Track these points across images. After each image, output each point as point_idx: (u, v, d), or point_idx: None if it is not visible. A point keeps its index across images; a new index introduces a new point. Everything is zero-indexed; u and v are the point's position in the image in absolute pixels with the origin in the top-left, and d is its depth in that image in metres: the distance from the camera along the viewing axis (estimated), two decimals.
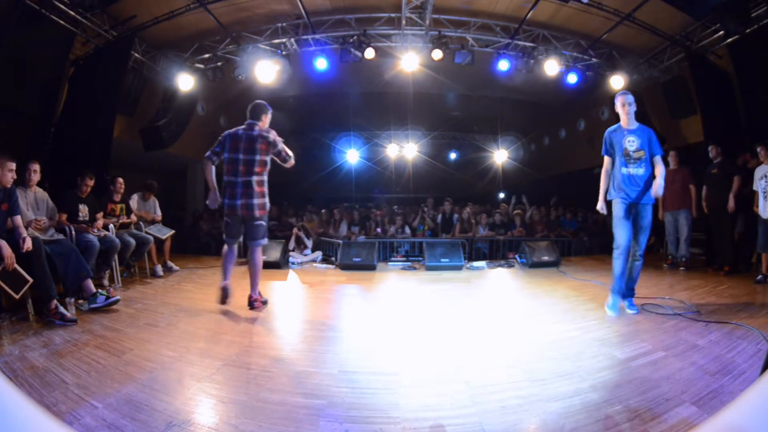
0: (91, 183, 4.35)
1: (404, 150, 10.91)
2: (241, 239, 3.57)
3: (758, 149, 4.32)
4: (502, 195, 11.33)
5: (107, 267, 4.27)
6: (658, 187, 3.10)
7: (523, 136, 11.54)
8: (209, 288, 4.43)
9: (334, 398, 1.89)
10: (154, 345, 2.55)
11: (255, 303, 3.46)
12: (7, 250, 2.84)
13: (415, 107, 9.94)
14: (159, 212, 5.65)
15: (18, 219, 3.14)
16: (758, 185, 4.35)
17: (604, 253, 7.12)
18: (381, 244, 6.85)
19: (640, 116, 7.63)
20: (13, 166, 3.10)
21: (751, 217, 4.62)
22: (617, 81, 7.11)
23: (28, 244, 2.97)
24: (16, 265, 2.88)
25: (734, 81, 5.95)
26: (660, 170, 3.17)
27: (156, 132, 7.24)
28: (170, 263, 5.45)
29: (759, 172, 4.36)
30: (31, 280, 2.93)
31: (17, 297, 2.88)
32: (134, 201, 5.37)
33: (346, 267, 5.80)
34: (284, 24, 6.77)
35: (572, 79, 7.24)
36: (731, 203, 4.76)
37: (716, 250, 5.26)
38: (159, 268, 5.08)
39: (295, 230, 6.72)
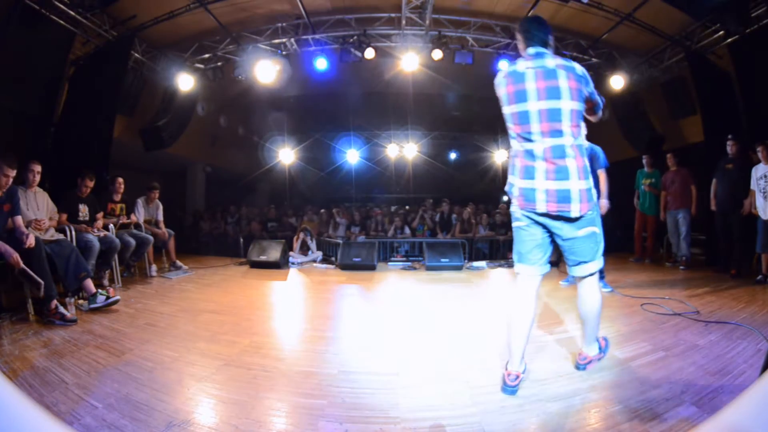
0: (91, 183, 4.35)
1: (404, 150, 10.90)
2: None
3: (758, 149, 4.31)
4: (505, 198, 11.33)
5: (107, 267, 4.27)
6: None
7: None
8: (209, 288, 4.45)
9: (334, 398, 1.90)
10: (154, 345, 2.55)
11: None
12: (13, 256, 2.82)
13: (415, 107, 9.93)
14: (161, 216, 5.46)
15: (19, 219, 3.14)
16: (757, 185, 4.34)
17: (604, 253, 7.11)
18: (381, 244, 6.85)
19: (639, 116, 7.63)
20: (14, 173, 3.08)
21: (751, 217, 4.60)
22: (617, 81, 7.11)
23: (31, 240, 2.97)
24: (23, 266, 2.87)
25: (734, 81, 5.95)
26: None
27: (156, 132, 7.24)
28: (179, 262, 5.52)
29: (758, 171, 4.35)
30: (42, 281, 2.91)
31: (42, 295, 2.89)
32: (140, 207, 5.24)
33: (346, 267, 5.80)
34: (284, 24, 6.76)
35: None
36: (747, 207, 4.58)
37: (719, 250, 5.15)
38: (154, 268, 5.09)
39: (303, 235, 6.68)
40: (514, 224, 2.02)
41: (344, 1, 6.42)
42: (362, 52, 6.67)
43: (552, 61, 1.89)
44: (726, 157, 4.95)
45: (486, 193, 11.49)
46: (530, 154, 1.89)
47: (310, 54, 6.94)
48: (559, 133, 1.83)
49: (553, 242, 2.02)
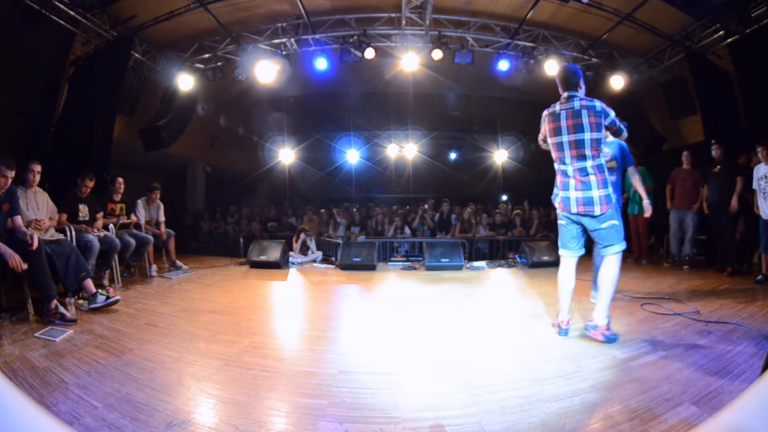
0: (91, 183, 4.35)
1: (404, 150, 10.90)
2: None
3: (758, 149, 4.31)
4: (504, 197, 11.34)
5: (107, 267, 4.27)
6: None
7: (523, 136, 11.51)
8: (209, 288, 4.45)
9: (334, 398, 1.90)
10: (154, 345, 2.55)
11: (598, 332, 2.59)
12: (14, 257, 2.81)
13: (415, 107, 9.93)
14: (162, 216, 5.45)
15: (18, 219, 3.14)
16: (757, 185, 4.35)
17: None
18: (381, 244, 6.85)
19: (639, 116, 7.64)
20: (13, 174, 3.07)
21: (752, 217, 4.61)
22: (617, 81, 7.11)
23: (35, 242, 2.97)
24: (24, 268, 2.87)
25: (734, 81, 5.95)
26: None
27: (156, 132, 7.24)
28: (179, 262, 5.52)
29: (759, 171, 4.35)
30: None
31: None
32: (140, 207, 5.23)
33: (346, 267, 5.80)
34: (284, 24, 6.77)
35: None
36: (734, 204, 4.72)
37: (717, 250, 5.21)
38: (154, 268, 5.09)
39: (303, 236, 6.69)
40: (558, 221, 2.78)
41: (344, 1, 6.42)
42: (362, 52, 6.67)
43: (578, 102, 2.55)
44: (713, 162, 5.11)
45: (486, 193, 11.49)
46: (565, 173, 2.62)
47: (310, 54, 6.95)
48: (583, 157, 2.52)
49: (585, 234, 2.70)
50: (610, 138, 3.50)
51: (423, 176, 11.69)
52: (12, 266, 2.80)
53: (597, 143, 2.51)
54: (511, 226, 7.77)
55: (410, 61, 6.94)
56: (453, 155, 12.95)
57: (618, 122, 2.60)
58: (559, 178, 2.68)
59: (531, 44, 7.02)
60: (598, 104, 2.53)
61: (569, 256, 2.77)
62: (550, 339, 2.70)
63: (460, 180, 12.12)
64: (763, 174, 4.28)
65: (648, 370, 2.11)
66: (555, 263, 5.87)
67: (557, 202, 2.68)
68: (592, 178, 2.52)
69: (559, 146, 2.59)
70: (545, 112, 2.69)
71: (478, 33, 6.90)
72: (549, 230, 7.76)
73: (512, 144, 11.21)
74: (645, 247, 6.12)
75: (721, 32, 5.79)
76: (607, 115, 2.53)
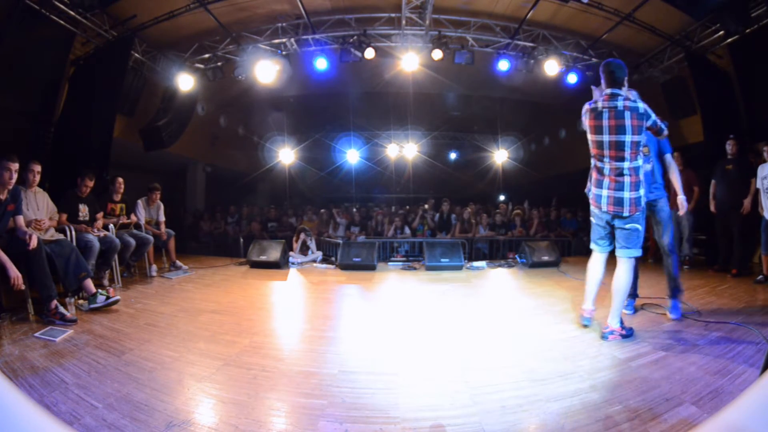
0: (91, 183, 4.34)
1: (404, 150, 10.89)
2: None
3: (764, 149, 4.27)
4: (502, 197, 11.36)
5: (107, 267, 4.27)
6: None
7: (523, 136, 11.53)
8: (209, 288, 4.44)
9: (334, 398, 1.90)
10: (154, 345, 2.55)
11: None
12: (14, 272, 2.80)
13: (415, 107, 9.92)
14: (162, 217, 5.45)
15: (20, 219, 3.15)
16: (761, 183, 4.31)
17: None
18: (381, 244, 6.85)
19: None
20: (16, 166, 3.09)
21: (755, 217, 4.56)
22: None
23: (34, 242, 2.97)
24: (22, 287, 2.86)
25: (734, 81, 5.94)
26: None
27: (156, 132, 7.23)
28: (179, 262, 5.51)
29: (763, 170, 4.30)
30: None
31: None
32: (140, 207, 5.22)
33: (346, 267, 5.80)
34: (284, 24, 6.76)
35: (572, 79, 7.23)
36: (747, 205, 4.59)
37: (719, 250, 5.12)
38: (154, 268, 5.08)
39: (303, 236, 6.69)
40: (591, 218, 2.84)
41: (344, 1, 6.42)
42: (362, 52, 6.66)
43: (622, 102, 2.55)
44: (725, 158, 4.97)
45: (486, 193, 11.50)
46: (601, 171, 2.66)
47: (310, 54, 6.94)
48: (621, 159, 2.56)
49: (611, 234, 2.75)
50: None
51: (423, 176, 11.69)
52: (12, 284, 2.79)
53: (637, 146, 2.54)
54: (511, 226, 7.77)
55: (410, 61, 6.93)
56: (453, 155, 12.96)
57: (659, 122, 2.64)
58: (594, 175, 2.72)
59: (531, 44, 7.01)
60: (641, 106, 2.55)
61: (599, 251, 2.85)
62: (550, 339, 2.70)
63: (460, 180, 12.13)
64: (767, 173, 4.25)
65: (648, 370, 2.11)
66: (555, 263, 5.90)
67: (591, 198, 2.75)
68: (627, 179, 2.57)
69: (599, 145, 2.61)
70: (586, 106, 2.68)
71: (478, 33, 6.90)
72: (549, 230, 7.76)
73: (512, 144, 11.21)
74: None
75: (721, 32, 5.79)
76: (648, 117, 2.56)
